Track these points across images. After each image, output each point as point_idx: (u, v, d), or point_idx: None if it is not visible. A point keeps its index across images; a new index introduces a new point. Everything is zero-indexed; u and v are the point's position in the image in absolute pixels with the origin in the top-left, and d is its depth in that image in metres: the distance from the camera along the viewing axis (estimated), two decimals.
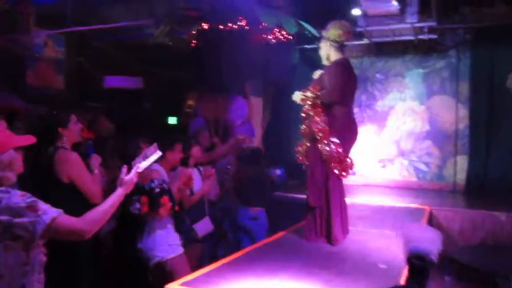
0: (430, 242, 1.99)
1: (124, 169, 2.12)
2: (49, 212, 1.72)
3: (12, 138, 1.82)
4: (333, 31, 3.72)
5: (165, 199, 3.09)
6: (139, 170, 2.19)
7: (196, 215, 3.85)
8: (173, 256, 3.10)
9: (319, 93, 3.56)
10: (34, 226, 1.68)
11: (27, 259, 1.74)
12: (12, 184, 1.79)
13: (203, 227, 3.88)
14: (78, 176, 2.79)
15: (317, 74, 3.86)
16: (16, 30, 7.44)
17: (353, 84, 3.74)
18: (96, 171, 2.99)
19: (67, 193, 2.72)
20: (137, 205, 3.00)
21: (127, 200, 3.06)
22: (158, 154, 2.32)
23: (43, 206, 1.74)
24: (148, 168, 3.04)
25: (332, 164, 3.56)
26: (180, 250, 3.18)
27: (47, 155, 2.77)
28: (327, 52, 3.77)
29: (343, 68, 3.66)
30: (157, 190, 3.05)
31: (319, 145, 3.54)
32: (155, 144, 2.34)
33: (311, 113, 3.59)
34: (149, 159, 2.28)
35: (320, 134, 3.54)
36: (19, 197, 1.71)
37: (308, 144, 3.78)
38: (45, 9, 7.78)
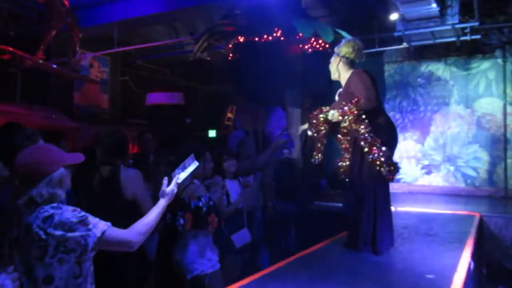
0: None
1: (165, 180, 2.19)
2: (99, 226, 1.80)
3: (62, 156, 1.92)
4: (344, 47, 3.78)
5: (212, 217, 3.11)
6: (179, 181, 2.25)
7: (235, 226, 3.86)
8: (212, 271, 3.10)
9: (359, 105, 3.51)
10: (86, 240, 1.76)
11: (80, 271, 1.82)
12: (62, 200, 1.88)
13: (241, 238, 3.88)
14: (141, 193, 2.90)
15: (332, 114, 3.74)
16: (65, 54, 7.85)
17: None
18: None
19: (130, 209, 2.79)
20: (182, 221, 3.04)
21: (172, 214, 3.12)
22: (195, 164, 2.37)
23: (93, 220, 1.81)
24: (189, 182, 3.12)
25: (383, 171, 3.52)
26: (218, 265, 3.18)
27: (107, 173, 2.87)
28: (337, 67, 3.82)
29: (367, 73, 3.67)
30: (205, 209, 3.07)
31: (369, 156, 3.51)
32: (192, 155, 2.40)
33: (354, 127, 3.53)
34: (187, 170, 2.34)
35: (369, 146, 3.50)
36: (70, 213, 1.79)
37: (349, 157, 3.73)
38: (89, 31, 8.16)
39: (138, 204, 2.85)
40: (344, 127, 3.59)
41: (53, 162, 1.84)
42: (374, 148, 3.48)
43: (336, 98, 3.88)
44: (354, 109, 3.46)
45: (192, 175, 3.19)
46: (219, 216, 3.19)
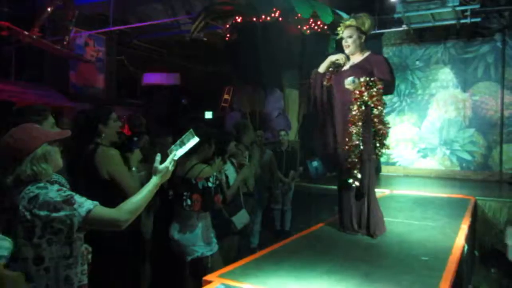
0: None
1: (158, 157, 2.10)
2: (85, 205, 1.78)
3: (45, 133, 1.89)
4: (368, 22, 3.59)
5: (218, 197, 3.09)
6: (176, 158, 2.14)
7: (232, 207, 3.85)
8: (211, 254, 3.11)
9: (383, 84, 3.35)
10: (71, 219, 1.74)
11: (70, 251, 1.81)
12: (50, 177, 1.87)
13: (241, 219, 3.88)
14: (117, 172, 2.88)
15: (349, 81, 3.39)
16: (60, 33, 7.73)
17: None
18: (133, 168, 3.05)
19: (108, 189, 2.79)
20: (189, 202, 3.01)
21: (175, 193, 3.11)
22: (195, 140, 2.24)
23: (79, 199, 1.79)
24: (195, 163, 3.09)
25: (377, 152, 3.52)
26: (217, 247, 3.20)
27: (88, 152, 2.86)
28: (359, 43, 3.61)
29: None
30: (213, 189, 3.05)
31: (377, 137, 3.48)
32: (191, 131, 2.25)
33: (374, 102, 3.34)
34: (186, 146, 2.21)
35: (378, 126, 3.45)
36: (55, 192, 1.77)
37: (361, 131, 3.42)
38: (85, 9, 8.03)
39: (117, 184, 2.84)
40: (358, 98, 3.36)
41: (34, 138, 1.82)
42: (383, 130, 3.45)
43: (347, 67, 3.65)
44: (380, 85, 3.32)
45: (201, 159, 3.18)
46: (223, 194, 3.19)
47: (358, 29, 3.61)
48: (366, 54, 3.64)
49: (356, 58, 3.66)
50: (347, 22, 3.66)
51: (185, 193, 3.02)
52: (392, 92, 3.53)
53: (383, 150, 3.54)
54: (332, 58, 3.74)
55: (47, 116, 2.46)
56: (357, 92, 3.37)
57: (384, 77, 3.41)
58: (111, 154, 2.88)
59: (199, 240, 3.08)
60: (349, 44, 3.64)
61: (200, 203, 3.01)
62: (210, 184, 3.04)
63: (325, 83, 3.75)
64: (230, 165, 4.14)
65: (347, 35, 3.64)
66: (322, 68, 3.78)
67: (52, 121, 2.50)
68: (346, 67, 3.68)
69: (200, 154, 3.16)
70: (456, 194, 5.95)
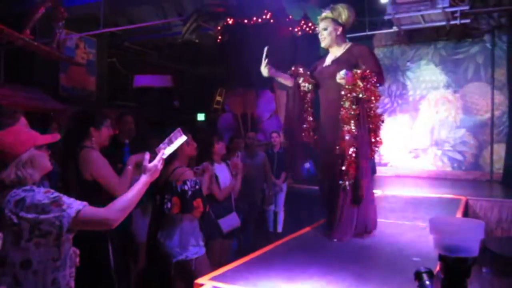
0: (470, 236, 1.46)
1: (147, 156, 2.10)
2: (73, 206, 1.75)
3: (33, 137, 1.85)
4: (345, 13, 3.45)
5: (198, 201, 3.07)
6: (164, 156, 2.15)
7: (223, 210, 3.82)
8: (197, 257, 3.10)
9: (375, 75, 3.23)
10: (60, 221, 1.71)
11: (59, 254, 1.78)
12: (37, 182, 1.83)
13: (229, 222, 3.84)
14: (99, 173, 2.88)
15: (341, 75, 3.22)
16: (50, 35, 7.67)
17: None
18: (129, 167, 3.04)
19: (93, 190, 2.81)
20: (169, 205, 3.02)
21: (161, 197, 3.10)
22: (183, 138, 2.24)
23: (67, 200, 1.76)
24: (178, 165, 3.08)
25: (374, 148, 3.45)
26: (203, 250, 3.19)
27: (74, 154, 2.86)
28: (337, 36, 3.48)
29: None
30: (190, 193, 3.03)
31: (373, 134, 3.38)
32: (179, 129, 2.25)
33: (368, 95, 3.21)
34: (174, 144, 2.22)
35: (374, 120, 3.34)
36: (42, 194, 1.74)
37: (354, 129, 3.25)
38: (75, 11, 7.97)
39: (102, 185, 2.87)
40: (351, 91, 3.21)
41: (21, 143, 1.78)
42: (378, 124, 3.38)
43: (328, 63, 3.56)
44: (373, 77, 3.22)
45: (183, 160, 3.16)
46: (205, 201, 3.17)
47: (334, 20, 3.48)
48: (347, 46, 3.52)
49: (337, 51, 3.53)
50: (323, 14, 3.55)
51: (166, 196, 3.03)
52: (382, 83, 3.37)
53: (378, 146, 3.47)
54: (263, 71, 3.82)
55: (19, 118, 2.42)
56: (350, 86, 3.20)
57: (372, 69, 3.28)
58: (92, 155, 2.89)
59: (182, 243, 3.08)
60: (324, 36, 3.52)
61: (178, 206, 3.01)
62: (186, 187, 3.03)
63: (310, 86, 3.72)
64: (225, 166, 4.12)
65: (322, 27, 3.53)
66: (286, 82, 3.77)
67: (24, 122, 2.46)
68: (327, 63, 3.58)
69: (180, 154, 3.12)
70: (447, 194, 5.98)
